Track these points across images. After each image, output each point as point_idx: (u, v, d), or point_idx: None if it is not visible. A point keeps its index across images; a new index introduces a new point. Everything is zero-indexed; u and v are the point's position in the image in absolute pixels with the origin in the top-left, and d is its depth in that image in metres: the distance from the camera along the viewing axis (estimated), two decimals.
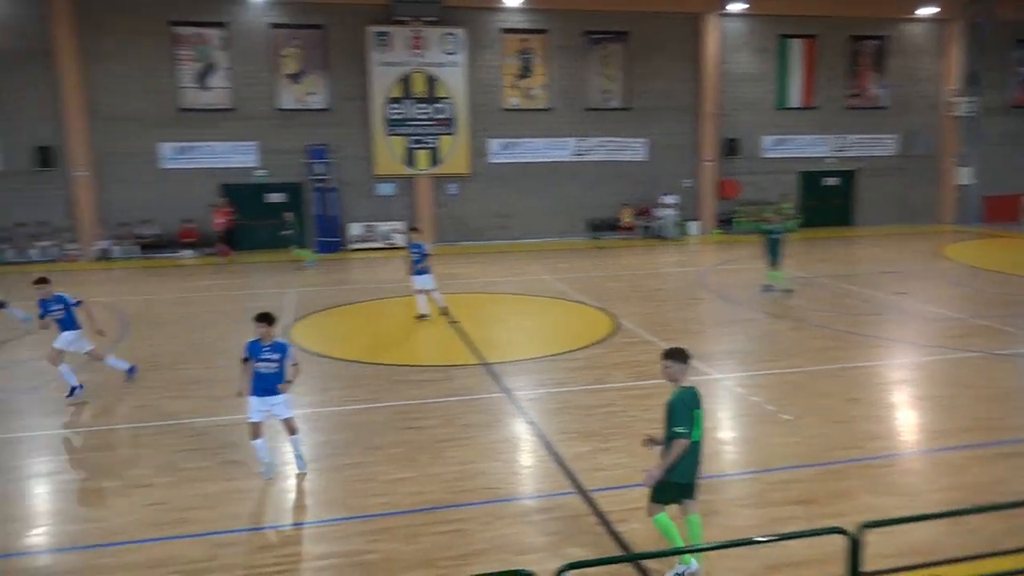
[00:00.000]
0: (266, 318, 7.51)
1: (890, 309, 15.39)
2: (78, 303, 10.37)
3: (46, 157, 23.84)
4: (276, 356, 7.45)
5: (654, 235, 28.13)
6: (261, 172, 25.75)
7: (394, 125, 26.23)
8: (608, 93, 28.17)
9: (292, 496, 7.34)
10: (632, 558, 6.10)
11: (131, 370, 11.02)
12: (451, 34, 26.13)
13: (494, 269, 21.71)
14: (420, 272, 14.55)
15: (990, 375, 10.84)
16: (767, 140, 29.47)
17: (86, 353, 10.54)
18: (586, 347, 12.64)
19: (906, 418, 9.52)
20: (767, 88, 29.19)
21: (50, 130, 23.90)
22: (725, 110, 28.67)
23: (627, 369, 11.31)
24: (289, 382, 7.55)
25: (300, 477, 7.60)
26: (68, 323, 10.27)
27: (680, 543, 5.82)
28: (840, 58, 29.60)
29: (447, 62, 26.27)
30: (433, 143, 26.63)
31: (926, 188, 31.01)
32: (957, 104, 30.17)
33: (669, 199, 28.08)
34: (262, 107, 25.50)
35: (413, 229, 16.09)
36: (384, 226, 26.40)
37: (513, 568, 5.68)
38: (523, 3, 26.50)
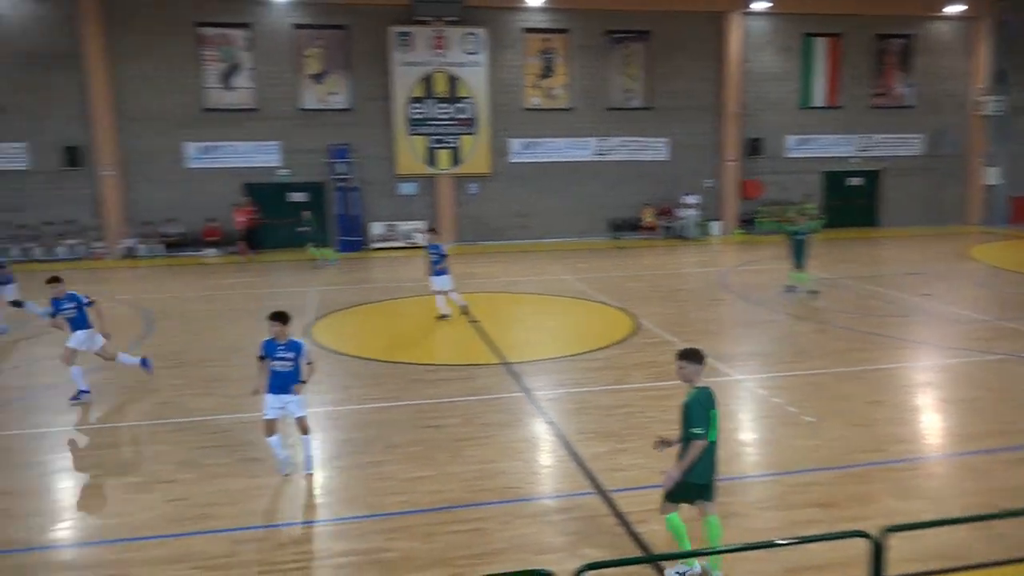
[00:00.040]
0: (280, 317, 7.52)
1: (914, 311, 15.20)
2: (90, 303, 10.34)
3: (74, 157, 24.18)
4: (291, 355, 7.47)
5: (675, 235, 27.98)
6: (284, 172, 25.96)
7: (415, 125, 26.31)
8: (630, 92, 28.07)
9: (311, 493, 7.38)
10: (652, 559, 6.08)
11: (144, 362, 10.98)
12: (472, 34, 26.17)
13: (514, 269, 21.71)
14: (439, 273, 14.58)
15: (1016, 378, 10.68)
16: (791, 140, 29.21)
17: (97, 353, 10.51)
18: (606, 347, 12.60)
19: (930, 421, 9.40)
20: (791, 87, 28.94)
21: (78, 130, 24.25)
22: (748, 109, 28.47)
23: (647, 370, 11.27)
24: (303, 382, 7.56)
25: (308, 478, 7.61)
26: (80, 322, 10.25)
27: (687, 545, 5.80)
28: (865, 57, 29.27)
29: (468, 62, 26.31)
30: (454, 143, 26.69)
31: (953, 188, 30.58)
32: (985, 103, 29.71)
33: (691, 199, 27.93)
34: (285, 107, 25.69)
35: (431, 230, 16.11)
36: (405, 225, 26.49)
37: (532, 568, 5.68)
38: (545, 3, 26.48)
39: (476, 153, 26.87)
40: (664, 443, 5.98)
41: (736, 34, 27.76)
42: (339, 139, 25.79)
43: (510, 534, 6.47)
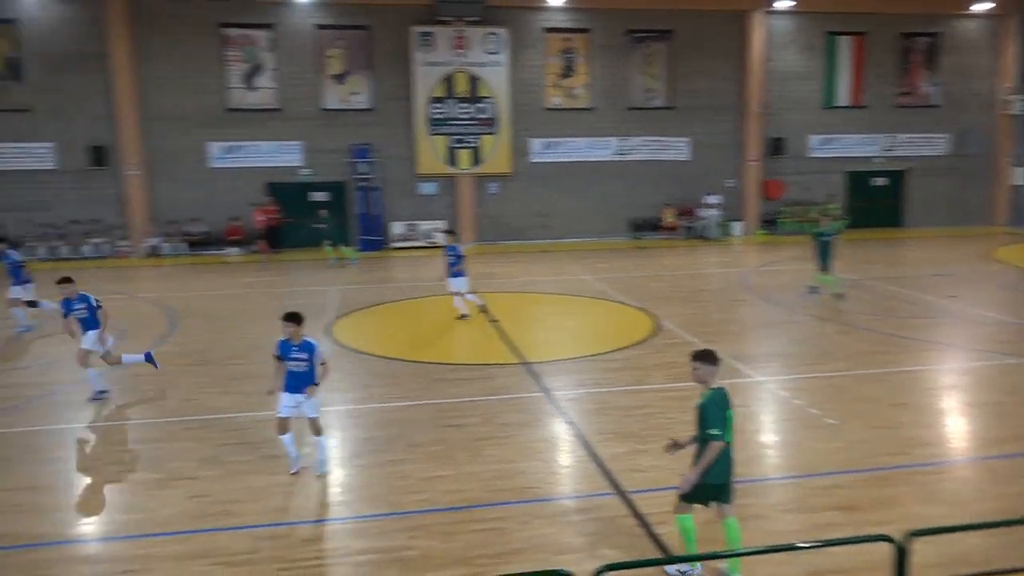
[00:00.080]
0: (294, 317, 7.52)
1: (939, 312, 15.02)
2: (99, 306, 10.34)
3: (99, 156, 24.50)
4: (304, 355, 7.49)
5: (696, 235, 27.85)
6: (306, 171, 26.14)
7: (436, 125, 26.38)
8: (651, 92, 27.96)
9: (332, 491, 7.42)
10: (671, 560, 6.05)
11: (148, 356, 10.86)
12: (494, 34, 26.19)
13: (535, 269, 21.71)
14: (456, 275, 14.60)
15: None
16: (814, 139, 28.96)
17: (101, 356, 10.39)
18: (626, 348, 12.56)
19: (954, 424, 9.28)
20: (814, 86, 28.68)
21: (104, 130, 24.56)
22: (770, 109, 28.26)
23: (667, 371, 11.22)
24: (316, 385, 7.55)
25: (322, 478, 7.63)
26: (91, 323, 10.28)
27: (693, 548, 5.81)
28: (890, 55, 28.95)
29: (489, 62, 26.34)
30: (475, 142, 26.73)
31: (978, 189, 30.16)
32: (1012, 102, 29.27)
33: (712, 199, 27.77)
34: (307, 107, 25.86)
35: (448, 232, 16.13)
36: (426, 225, 26.57)
37: (551, 568, 5.67)
38: (566, 2, 26.44)
39: (497, 153, 26.90)
40: (676, 445, 5.97)
41: (759, 33, 27.57)
42: (361, 139, 25.92)
43: (529, 534, 6.47)
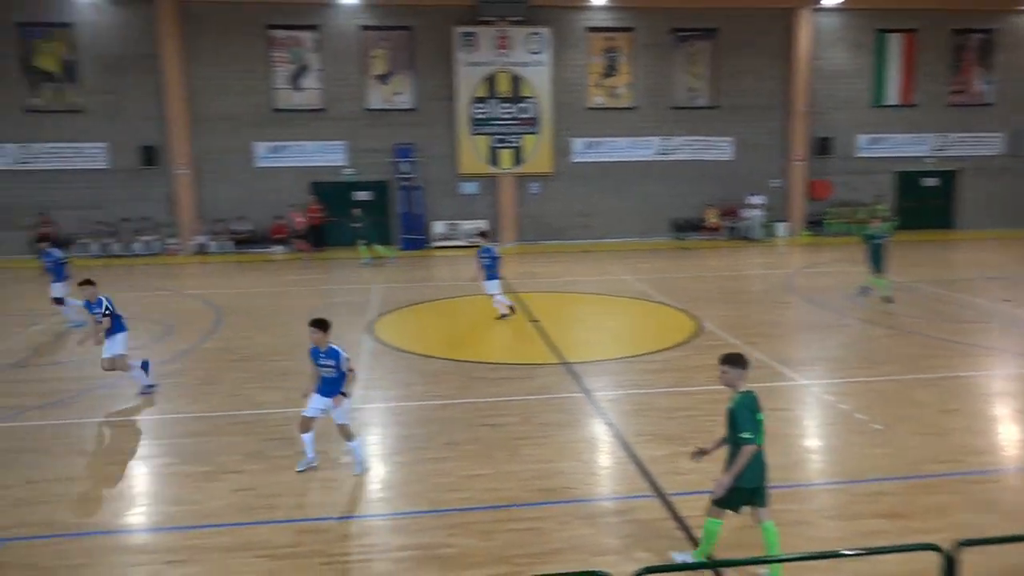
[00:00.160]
0: (320, 324, 7.54)
1: (993, 317, 14.61)
2: (107, 313, 10.18)
3: (150, 156, 25.11)
4: (331, 362, 7.53)
5: (740, 236, 27.51)
6: (349, 171, 26.44)
7: (478, 124, 26.48)
8: (694, 91, 27.69)
9: (373, 488, 7.50)
10: (712, 565, 5.98)
11: (144, 365, 10.60)
12: (536, 33, 26.19)
13: (576, 269, 21.65)
14: (492, 276, 14.61)
15: None
16: (862, 139, 28.39)
17: (107, 358, 10.27)
18: (667, 349, 12.46)
19: (1008, 432, 9.01)
20: (862, 85, 28.13)
21: (154, 130, 25.16)
22: (817, 108, 27.78)
23: (709, 373, 11.07)
24: (343, 395, 7.55)
25: (359, 476, 7.67)
26: (115, 326, 10.29)
27: (707, 549, 5.80)
28: (942, 53, 28.25)
29: (532, 61, 26.35)
30: (517, 142, 26.76)
31: None
32: None
33: (756, 199, 27.40)
34: (351, 107, 26.16)
35: (481, 234, 16.15)
36: (467, 224, 26.68)
37: (590, 570, 5.66)
38: (609, 1, 26.33)
39: (538, 153, 26.89)
40: (702, 452, 5.99)
41: (805, 31, 27.12)
42: (403, 139, 26.15)
43: (568, 534, 6.46)
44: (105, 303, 10.14)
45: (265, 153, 26.07)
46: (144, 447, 8.77)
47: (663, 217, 27.93)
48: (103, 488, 7.58)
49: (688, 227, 27.86)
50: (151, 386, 10.48)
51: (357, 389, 10.39)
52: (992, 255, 22.92)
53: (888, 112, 28.38)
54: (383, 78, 26.31)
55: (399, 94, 26.43)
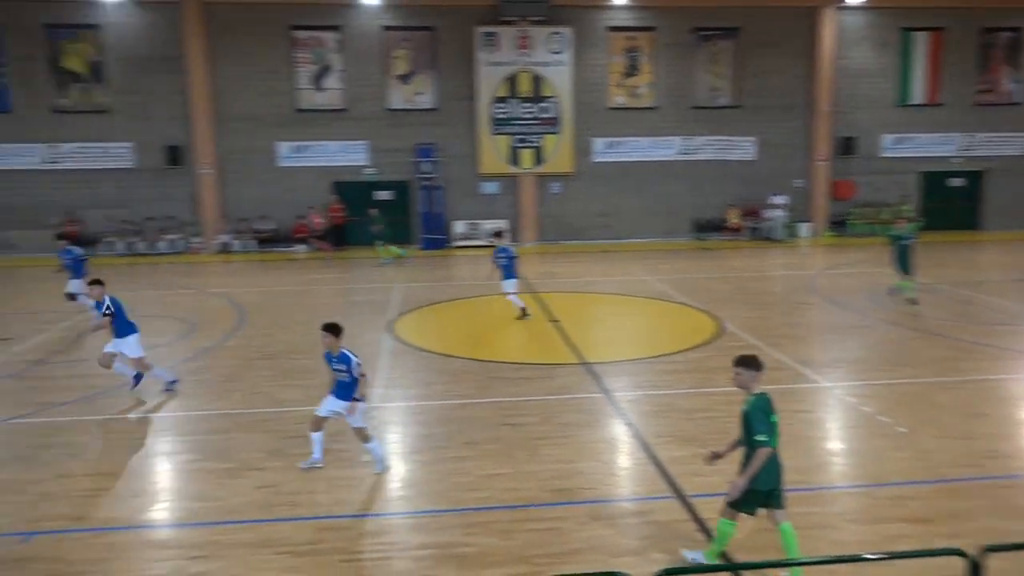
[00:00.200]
0: (331, 329, 7.55)
1: (1020, 319, 14.39)
2: (107, 313, 10.12)
3: (175, 156, 25.38)
4: (343, 366, 7.54)
5: (762, 237, 27.31)
6: (371, 170, 26.57)
7: (499, 124, 26.50)
8: (716, 91, 27.53)
9: (393, 486, 7.53)
10: (732, 567, 5.95)
11: (137, 377, 10.50)
12: (558, 33, 26.16)
13: (596, 269, 21.61)
14: (509, 275, 14.62)
15: None
16: (886, 139, 28.08)
17: (107, 352, 10.22)
18: (688, 350, 12.40)
19: None
20: (887, 84, 27.82)
21: (179, 130, 25.44)
22: (841, 107, 27.51)
23: (730, 374, 11.00)
24: (356, 400, 7.54)
25: (380, 474, 7.70)
26: (123, 328, 10.25)
27: (718, 551, 5.79)
28: (969, 51, 27.86)
29: (553, 61, 26.32)
30: (537, 142, 26.75)
31: None
32: None
33: (779, 199, 27.19)
34: (373, 107, 26.29)
35: (497, 234, 16.15)
36: (487, 224, 26.69)
37: (609, 570, 5.65)
38: (631, 1, 26.24)
39: (559, 152, 26.87)
40: (716, 456, 5.98)
41: (829, 29, 26.88)
42: (424, 139, 26.23)
43: (587, 535, 6.45)
44: (107, 304, 10.09)
45: (288, 153, 26.26)
46: (168, 443, 8.87)
47: (684, 217, 27.80)
48: (128, 484, 7.67)
49: (709, 227, 27.71)
50: (173, 382, 10.57)
51: (378, 388, 10.47)
52: (1019, 256, 22.57)
53: (913, 112, 28.04)
54: (405, 78, 26.40)
55: (420, 94, 26.51)
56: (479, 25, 25.89)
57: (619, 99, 27.20)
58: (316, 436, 7.83)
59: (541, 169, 26.96)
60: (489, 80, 26.20)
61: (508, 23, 25.83)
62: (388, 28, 26.02)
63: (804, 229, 27.67)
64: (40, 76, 24.90)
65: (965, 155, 28.46)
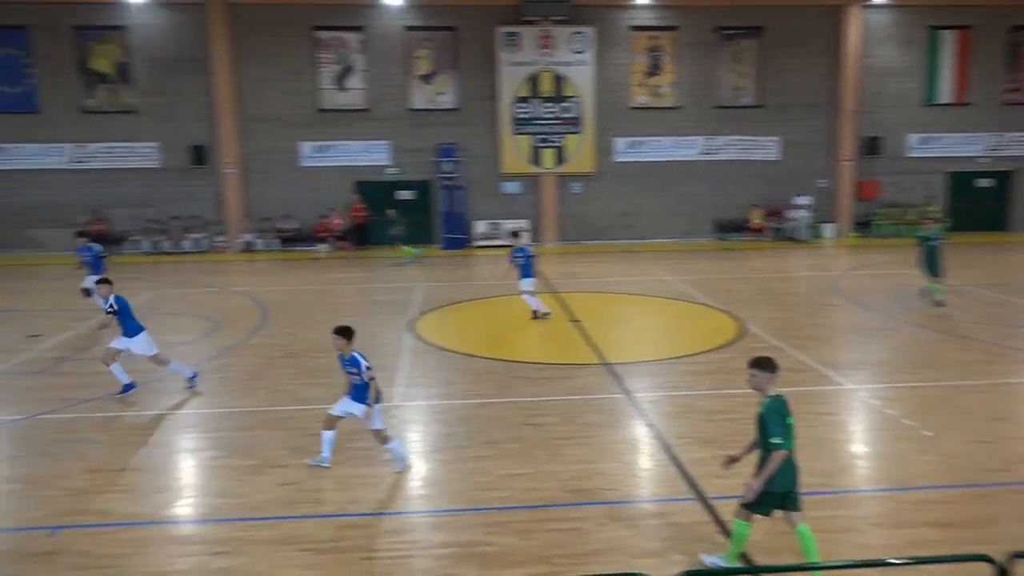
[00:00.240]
0: (342, 332, 7.57)
1: None
2: (111, 311, 10.16)
3: (199, 156, 25.65)
4: (354, 369, 7.58)
5: (785, 237, 27.08)
6: (393, 170, 26.68)
7: (521, 124, 26.50)
8: (739, 90, 27.34)
9: (414, 485, 7.56)
10: (753, 571, 5.91)
11: (127, 388, 10.41)
12: (580, 33, 26.12)
13: (617, 269, 21.54)
14: (527, 275, 14.61)
15: None
16: (912, 138, 27.74)
17: (111, 346, 10.27)
18: (710, 351, 12.33)
19: None
20: (913, 83, 27.48)
21: (203, 130, 25.70)
22: (866, 107, 27.22)
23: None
24: (369, 405, 7.57)
25: (401, 473, 7.72)
26: (129, 327, 10.32)
27: (736, 553, 5.76)
28: (997, 50, 27.46)
29: (575, 61, 26.28)
30: (559, 142, 26.72)
31: None
32: None
33: (802, 200, 26.95)
34: (395, 107, 26.40)
35: (514, 235, 16.15)
36: (509, 224, 26.69)
37: (629, 571, 5.64)
38: (653, 0, 26.13)
39: (581, 152, 26.82)
40: (733, 460, 5.95)
41: (855, 28, 26.60)
42: (446, 138, 26.30)
43: (607, 535, 6.44)
44: (111, 302, 10.15)
45: (311, 153, 26.44)
46: (191, 440, 8.96)
47: (706, 218, 27.65)
48: (152, 480, 7.76)
49: (732, 228, 27.53)
50: (193, 377, 10.67)
51: (399, 387, 10.52)
52: None
53: (940, 111, 27.68)
54: (427, 78, 26.48)
55: (442, 94, 26.58)
56: (501, 25, 25.91)
57: (641, 99, 27.10)
58: (327, 435, 7.87)
59: (562, 169, 26.93)
60: (511, 80, 26.21)
61: (530, 23, 25.82)
62: (410, 28, 26.12)
63: (828, 230, 27.41)
64: (68, 77, 25.27)
65: (993, 155, 28.05)
